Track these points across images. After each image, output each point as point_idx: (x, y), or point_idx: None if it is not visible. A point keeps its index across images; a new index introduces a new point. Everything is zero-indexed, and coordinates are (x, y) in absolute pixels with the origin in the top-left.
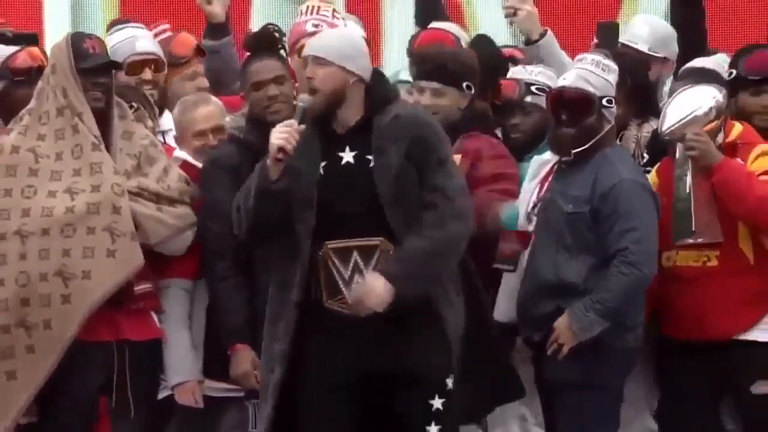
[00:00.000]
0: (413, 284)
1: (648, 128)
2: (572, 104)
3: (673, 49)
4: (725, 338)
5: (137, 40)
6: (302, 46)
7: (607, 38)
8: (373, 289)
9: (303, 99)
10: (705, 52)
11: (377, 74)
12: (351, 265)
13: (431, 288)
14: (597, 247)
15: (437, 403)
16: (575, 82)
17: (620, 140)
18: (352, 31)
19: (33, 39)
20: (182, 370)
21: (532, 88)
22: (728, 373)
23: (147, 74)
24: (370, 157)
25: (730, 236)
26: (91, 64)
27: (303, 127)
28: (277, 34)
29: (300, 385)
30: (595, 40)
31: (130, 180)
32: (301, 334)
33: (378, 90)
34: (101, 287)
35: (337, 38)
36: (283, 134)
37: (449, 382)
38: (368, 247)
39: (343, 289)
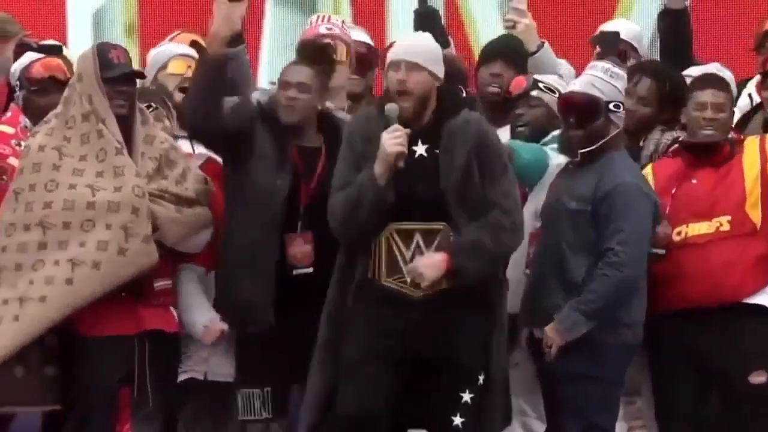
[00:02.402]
0: (469, 262)
1: (670, 136)
2: (580, 108)
3: (644, 50)
4: (733, 301)
5: (179, 46)
6: None
7: (609, 46)
8: (431, 258)
9: (390, 107)
10: (691, 62)
11: (449, 81)
12: (413, 246)
13: (474, 279)
14: (596, 246)
15: (466, 396)
16: (583, 87)
17: (644, 141)
18: (430, 37)
19: (58, 50)
20: (202, 317)
21: (540, 84)
22: (721, 361)
23: (190, 72)
24: (438, 151)
25: (737, 204)
26: (116, 74)
27: (409, 130)
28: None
29: (345, 349)
30: (598, 49)
31: (151, 182)
32: (351, 308)
33: (451, 95)
34: (108, 279)
35: (426, 44)
36: (398, 140)
37: (481, 378)
38: (430, 230)
39: (403, 268)
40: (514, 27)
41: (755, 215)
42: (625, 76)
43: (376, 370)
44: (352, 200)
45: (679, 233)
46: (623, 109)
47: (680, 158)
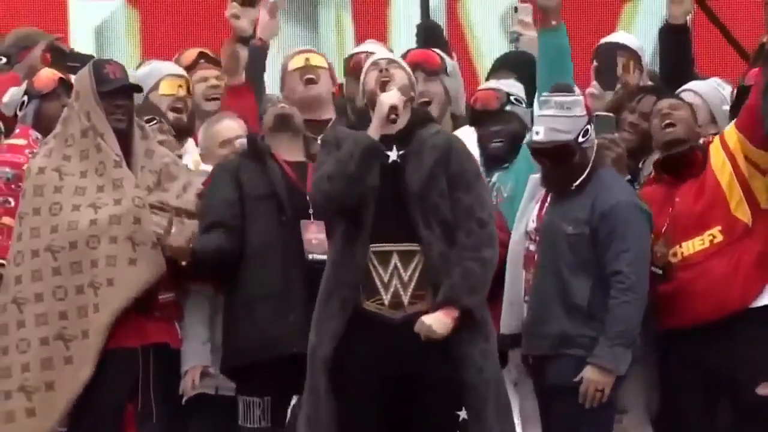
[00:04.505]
0: (471, 299)
1: None
2: (552, 156)
3: (645, 60)
4: (741, 308)
5: (169, 66)
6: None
7: (607, 61)
8: (434, 316)
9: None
10: (692, 77)
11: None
12: (390, 268)
13: (479, 303)
14: (597, 268)
15: (463, 414)
16: (547, 136)
17: (643, 163)
18: None
19: (89, 60)
20: (192, 358)
21: (511, 98)
22: (729, 372)
23: (181, 92)
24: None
25: (722, 210)
26: (111, 87)
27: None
28: None
29: (341, 385)
30: (595, 63)
31: (151, 195)
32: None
33: (422, 108)
34: (123, 294)
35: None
36: (395, 95)
37: (473, 392)
38: (408, 252)
39: (382, 291)
40: (518, 40)
41: (743, 214)
42: (581, 98)
43: (370, 406)
44: (343, 157)
45: (674, 254)
46: (592, 132)
47: (662, 182)
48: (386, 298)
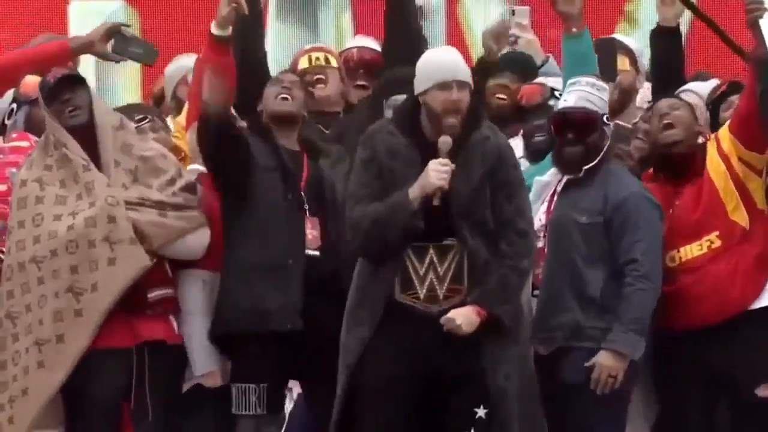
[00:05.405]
0: (501, 307)
1: None
2: (578, 124)
3: (643, 62)
4: (741, 311)
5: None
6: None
7: (606, 54)
8: (462, 311)
9: (444, 140)
10: (683, 79)
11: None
12: (426, 262)
13: (510, 313)
14: (611, 258)
15: (481, 411)
16: (578, 102)
17: None
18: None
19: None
20: (203, 361)
21: (555, 93)
22: (729, 370)
23: None
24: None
25: (720, 215)
26: (48, 89)
27: (453, 166)
28: None
29: (365, 374)
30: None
31: (129, 191)
32: (380, 324)
33: (475, 106)
34: (107, 296)
35: (461, 58)
36: (444, 175)
37: (495, 392)
38: (443, 246)
39: (417, 285)
40: (516, 42)
41: (741, 218)
42: (607, 87)
43: (396, 403)
44: (382, 220)
45: (672, 259)
46: (611, 125)
47: (658, 181)
48: (421, 292)
